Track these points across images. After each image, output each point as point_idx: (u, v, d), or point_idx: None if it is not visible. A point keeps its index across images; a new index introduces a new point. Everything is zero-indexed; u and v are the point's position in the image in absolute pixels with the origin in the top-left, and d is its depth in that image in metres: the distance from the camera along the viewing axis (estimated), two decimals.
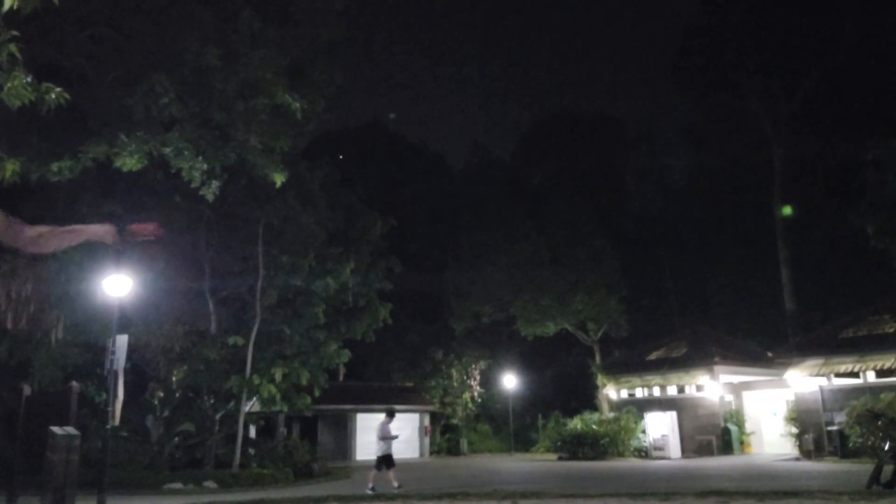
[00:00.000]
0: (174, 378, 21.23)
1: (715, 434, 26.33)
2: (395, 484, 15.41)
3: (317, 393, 22.52)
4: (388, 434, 16.23)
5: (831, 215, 31.11)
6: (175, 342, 20.42)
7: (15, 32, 8.79)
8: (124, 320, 17.36)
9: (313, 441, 28.29)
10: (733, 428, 26.59)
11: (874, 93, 33.56)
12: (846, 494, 10.09)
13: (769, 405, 26.77)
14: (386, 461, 15.92)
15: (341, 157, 37.11)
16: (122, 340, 14.60)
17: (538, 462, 27.73)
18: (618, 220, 41.44)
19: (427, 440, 34.34)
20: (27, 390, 15.41)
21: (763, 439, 26.82)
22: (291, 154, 17.33)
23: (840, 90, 34.69)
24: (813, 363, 24.16)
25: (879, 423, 20.21)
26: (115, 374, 14.56)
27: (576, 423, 28.65)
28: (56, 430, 11.68)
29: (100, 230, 3.15)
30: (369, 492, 14.59)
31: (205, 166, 13.64)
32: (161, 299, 20.26)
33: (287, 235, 21.37)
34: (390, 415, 16.89)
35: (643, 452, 27.08)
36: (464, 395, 36.92)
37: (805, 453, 23.12)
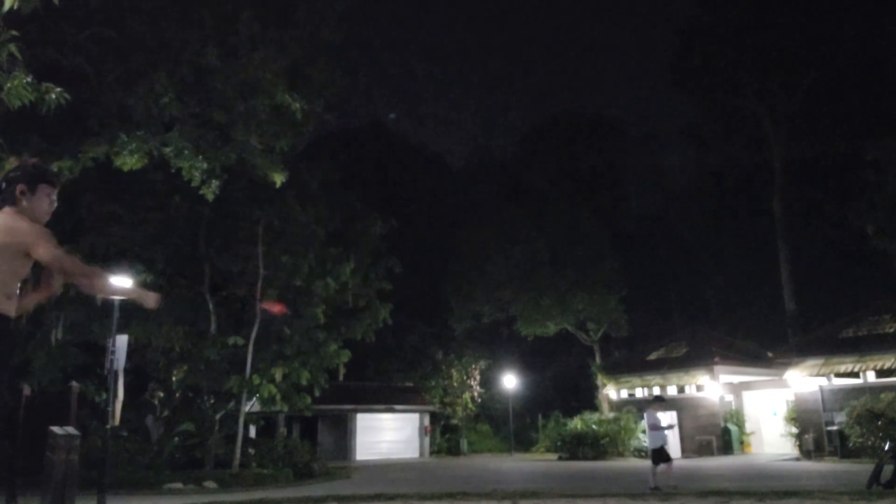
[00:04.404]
0: (174, 378, 21.21)
1: (715, 434, 26.32)
2: (652, 484, 13.16)
3: (317, 393, 22.49)
4: (658, 423, 13.93)
5: (831, 215, 31.12)
6: (175, 342, 20.42)
7: (15, 32, 8.80)
8: (124, 320, 17.36)
9: (313, 441, 28.29)
10: (733, 428, 26.59)
11: (874, 92, 33.55)
12: (846, 494, 10.09)
13: (769, 405, 26.77)
14: (659, 455, 13.59)
15: (341, 157, 37.10)
16: (122, 340, 14.60)
17: (538, 462, 27.73)
18: (618, 220, 41.44)
19: (427, 440, 34.33)
20: (27, 390, 15.41)
21: (763, 439, 26.81)
22: (291, 154, 17.34)
23: (839, 90, 34.68)
24: (813, 363, 24.15)
25: (879, 423, 20.22)
26: (115, 374, 14.56)
27: (576, 423, 28.64)
28: (56, 430, 11.66)
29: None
30: (668, 489, 12.61)
31: (205, 166, 13.65)
32: (161, 299, 20.23)
33: (287, 235, 21.36)
34: (658, 400, 14.72)
35: (643, 452, 27.04)
36: (464, 395, 36.90)
37: (805, 453, 23.11)
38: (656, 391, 28.91)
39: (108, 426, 14.77)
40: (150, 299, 3.41)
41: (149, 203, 20.10)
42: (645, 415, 14.51)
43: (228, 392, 20.51)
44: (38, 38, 11.82)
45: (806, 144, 34.55)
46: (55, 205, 3.43)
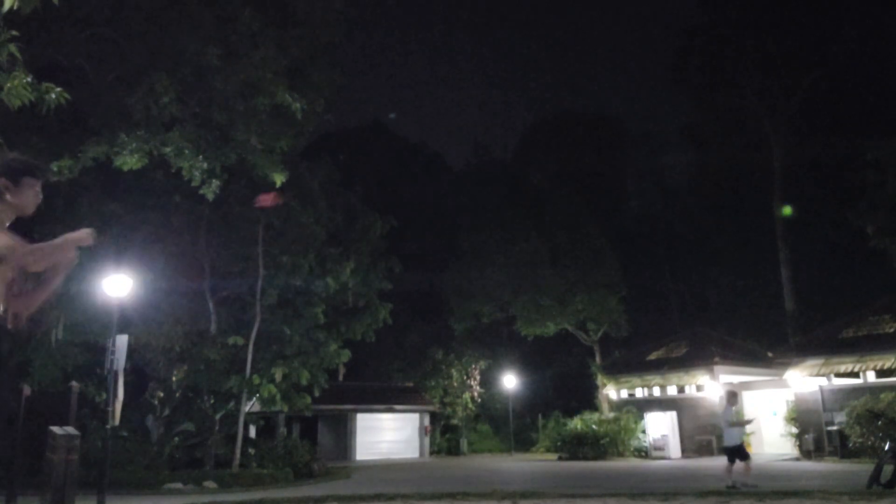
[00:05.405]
0: (174, 378, 21.22)
1: (715, 434, 26.28)
2: (730, 482, 12.93)
3: (317, 393, 22.50)
4: (733, 418, 13.74)
5: (831, 215, 31.13)
6: (175, 342, 20.42)
7: (15, 32, 8.80)
8: (124, 320, 17.37)
9: (313, 441, 28.29)
10: None
11: (874, 92, 33.55)
12: (846, 494, 10.09)
13: (769, 405, 26.75)
14: (737, 453, 13.41)
15: (341, 157, 37.07)
16: (122, 340, 14.61)
17: (538, 462, 27.73)
18: (618, 220, 41.44)
19: (427, 440, 34.33)
20: (27, 390, 15.40)
21: (763, 439, 26.77)
22: (291, 154, 17.35)
23: (840, 90, 34.68)
24: (813, 363, 24.14)
25: (879, 423, 20.22)
26: (115, 374, 14.56)
27: (576, 423, 28.63)
28: (56, 430, 11.67)
29: (79, 235, 3.04)
30: (746, 488, 12.31)
31: (205, 165, 13.66)
32: (161, 299, 20.26)
33: (287, 235, 21.37)
34: (732, 397, 14.21)
35: (643, 452, 27.07)
36: (464, 395, 36.90)
37: (805, 453, 23.10)
38: (656, 391, 28.95)
39: (108, 426, 14.77)
40: (85, 237, 3.26)
41: (149, 203, 20.11)
42: (723, 412, 14.26)
43: (228, 392, 20.52)
44: (38, 38, 11.83)
45: (806, 144, 34.54)
46: (40, 197, 3.35)
